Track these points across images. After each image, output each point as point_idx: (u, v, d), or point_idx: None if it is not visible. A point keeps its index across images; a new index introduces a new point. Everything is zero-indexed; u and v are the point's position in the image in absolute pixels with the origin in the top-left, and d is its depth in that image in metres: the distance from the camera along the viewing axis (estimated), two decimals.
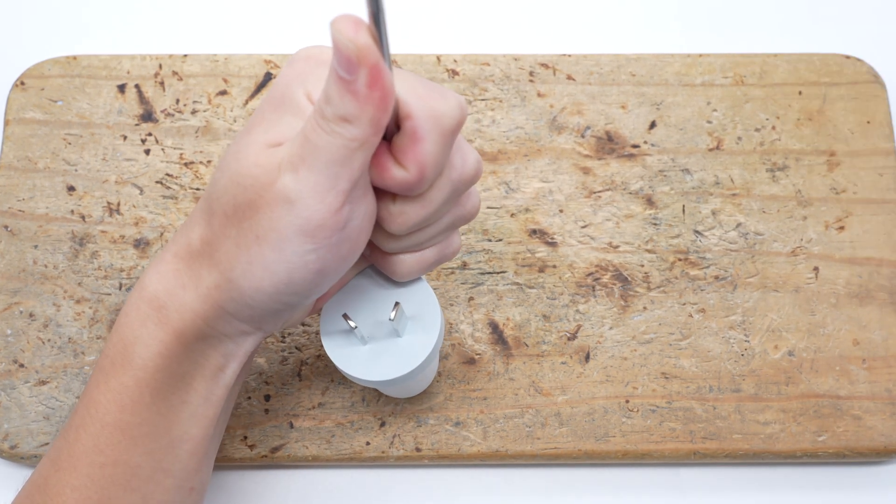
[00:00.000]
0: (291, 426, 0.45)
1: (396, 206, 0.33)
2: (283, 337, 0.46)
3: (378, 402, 0.45)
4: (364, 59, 0.28)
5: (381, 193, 0.33)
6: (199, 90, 0.50)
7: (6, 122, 0.49)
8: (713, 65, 0.51)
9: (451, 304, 0.47)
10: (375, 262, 0.37)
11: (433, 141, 0.31)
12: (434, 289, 0.43)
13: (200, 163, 0.49)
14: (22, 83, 0.50)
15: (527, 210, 0.48)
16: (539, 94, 0.50)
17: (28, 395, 0.45)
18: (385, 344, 0.38)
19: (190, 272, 0.34)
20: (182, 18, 0.55)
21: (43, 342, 0.46)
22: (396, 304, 0.37)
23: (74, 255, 0.47)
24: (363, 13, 0.29)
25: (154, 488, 0.35)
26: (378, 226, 0.34)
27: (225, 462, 0.45)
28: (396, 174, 0.31)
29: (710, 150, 0.50)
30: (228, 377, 0.36)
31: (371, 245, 0.36)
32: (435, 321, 0.38)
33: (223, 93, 0.50)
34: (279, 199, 0.31)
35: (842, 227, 0.48)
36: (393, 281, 0.38)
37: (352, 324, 0.37)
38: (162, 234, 0.48)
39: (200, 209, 0.34)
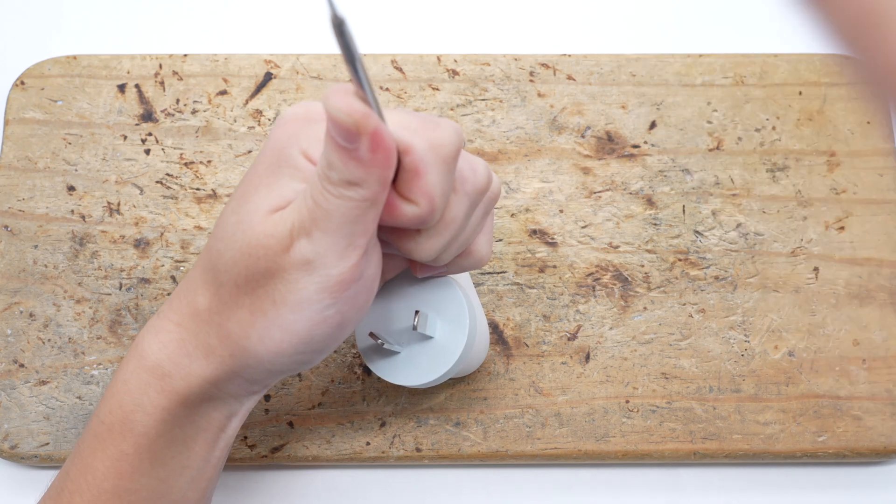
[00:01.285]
0: (291, 426, 0.45)
1: (422, 237, 0.33)
2: None
3: (378, 402, 0.45)
4: (363, 128, 0.28)
5: (403, 230, 0.33)
6: (199, 90, 0.50)
7: (6, 122, 0.49)
8: (713, 65, 0.51)
9: None
10: (419, 271, 0.37)
11: (436, 171, 0.31)
12: None
13: (200, 163, 0.49)
14: (22, 83, 0.50)
15: (527, 210, 0.48)
16: (539, 95, 0.50)
17: (28, 395, 0.45)
18: (419, 348, 0.38)
19: (196, 341, 0.33)
20: (182, 18, 0.55)
21: (43, 342, 0.46)
22: (416, 312, 0.37)
23: (74, 255, 0.47)
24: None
25: None
26: (405, 253, 0.34)
27: (225, 462, 0.45)
28: (408, 211, 0.31)
29: (711, 150, 0.50)
30: (229, 436, 0.36)
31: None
32: (463, 318, 0.38)
33: (223, 93, 0.50)
34: (296, 264, 0.31)
35: (842, 228, 0.48)
36: (411, 283, 0.38)
37: (380, 341, 0.37)
38: (162, 234, 0.48)
39: (201, 279, 0.33)
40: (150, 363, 0.33)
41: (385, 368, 0.39)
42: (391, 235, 0.33)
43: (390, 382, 0.39)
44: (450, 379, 0.45)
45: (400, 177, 0.31)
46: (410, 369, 0.38)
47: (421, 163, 0.30)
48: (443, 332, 0.38)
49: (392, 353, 0.39)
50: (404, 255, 0.34)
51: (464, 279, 0.42)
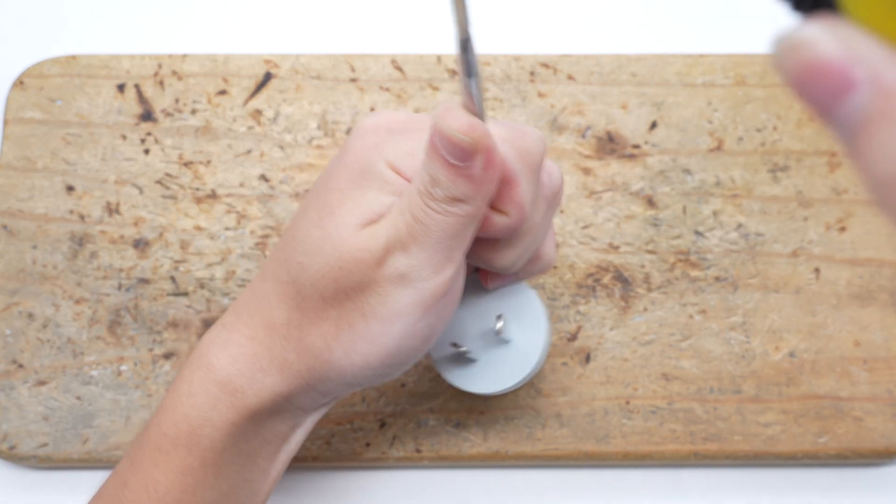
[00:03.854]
0: None
1: (502, 247, 0.33)
2: None
3: (378, 402, 0.45)
4: (482, 147, 0.28)
5: (484, 240, 0.33)
6: (198, 90, 0.50)
7: (5, 122, 0.49)
8: (714, 65, 0.51)
9: None
10: (488, 280, 0.38)
11: (527, 180, 0.31)
12: None
13: (200, 163, 0.49)
14: (21, 83, 0.50)
15: None
16: (540, 94, 0.50)
17: (27, 396, 0.45)
18: (496, 354, 0.38)
19: (271, 355, 0.33)
20: (182, 18, 0.55)
21: (42, 342, 0.46)
22: (499, 316, 0.37)
23: (74, 255, 0.47)
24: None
25: None
26: (483, 263, 0.34)
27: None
28: (500, 222, 0.31)
29: (711, 150, 0.49)
30: (291, 448, 0.36)
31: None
32: (540, 319, 0.38)
33: (223, 93, 0.50)
34: (391, 278, 0.30)
35: (843, 228, 0.48)
36: (480, 290, 0.38)
37: (463, 349, 0.37)
38: (161, 234, 0.48)
39: (277, 291, 0.33)
40: (220, 377, 0.33)
41: (463, 378, 0.38)
42: (471, 246, 0.33)
43: (467, 391, 0.39)
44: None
45: None
46: (489, 376, 0.38)
47: (514, 173, 0.30)
48: (519, 336, 0.38)
49: (469, 362, 0.38)
50: (482, 265, 0.34)
51: None
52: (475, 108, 0.29)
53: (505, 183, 0.31)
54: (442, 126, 0.28)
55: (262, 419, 0.33)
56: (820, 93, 0.17)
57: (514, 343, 0.38)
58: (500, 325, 0.37)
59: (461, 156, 0.28)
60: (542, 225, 0.34)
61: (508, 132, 0.31)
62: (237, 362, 0.33)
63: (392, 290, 0.30)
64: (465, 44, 0.27)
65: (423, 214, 0.29)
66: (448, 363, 0.39)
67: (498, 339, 0.38)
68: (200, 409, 0.33)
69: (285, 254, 0.33)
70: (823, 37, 0.18)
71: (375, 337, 0.31)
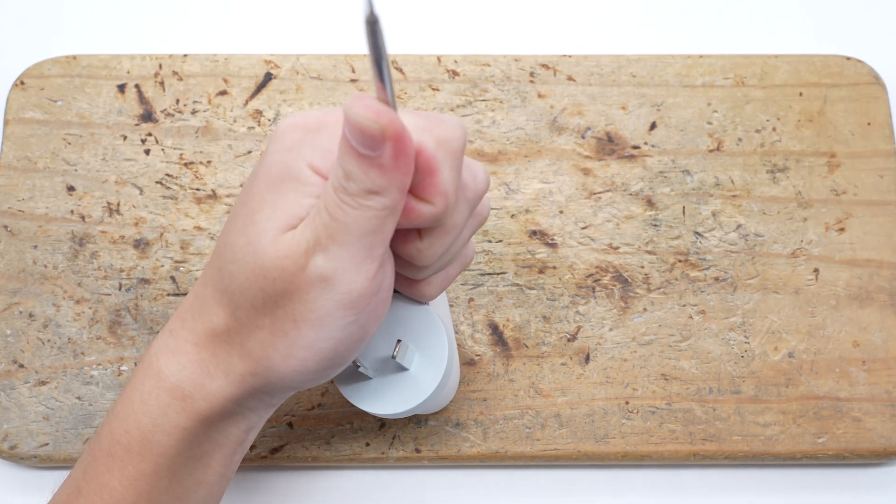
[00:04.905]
0: (291, 427, 0.45)
1: (424, 242, 0.33)
2: None
3: None
4: (389, 133, 0.27)
5: (405, 233, 0.33)
6: (199, 90, 0.50)
7: (6, 122, 0.49)
8: (714, 66, 0.51)
9: (452, 306, 0.47)
10: (402, 290, 0.37)
11: (448, 167, 0.31)
12: None
13: (200, 163, 0.49)
14: (22, 83, 0.50)
15: (527, 211, 0.48)
16: (539, 95, 0.50)
17: (28, 396, 0.45)
18: (392, 378, 0.38)
19: (216, 360, 0.33)
20: (182, 18, 0.55)
21: (42, 342, 0.46)
22: (398, 341, 0.36)
23: (74, 255, 0.47)
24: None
25: None
26: (406, 262, 0.34)
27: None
28: (424, 210, 0.31)
29: (711, 151, 0.49)
30: (245, 448, 0.36)
31: (396, 276, 0.36)
32: (442, 352, 0.37)
33: (223, 93, 0.50)
34: (314, 282, 0.30)
35: (842, 229, 0.48)
36: (394, 311, 0.38)
37: (357, 364, 0.37)
38: (161, 234, 0.48)
39: (215, 299, 0.33)
40: (169, 384, 0.33)
41: (354, 392, 0.38)
42: (392, 241, 0.33)
43: (361, 407, 0.39)
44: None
45: (413, 177, 0.31)
46: (379, 397, 0.38)
47: (434, 161, 0.30)
48: (419, 366, 0.38)
49: (364, 378, 0.38)
50: (406, 260, 0.34)
51: (443, 311, 0.42)
52: (386, 97, 0.28)
53: (426, 171, 0.30)
54: (350, 114, 0.28)
55: (213, 423, 0.34)
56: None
57: (412, 372, 0.38)
58: (396, 350, 0.36)
59: (370, 144, 0.28)
60: (464, 224, 0.33)
61: (425, 121, 0.31)
62: (185, 368, 0.33)
63: (318, 294, 0.30)
64: (373, 25, 0.26)
65: (340, 211, 0.29)
66: (345, 374, 0.38)
67: (395, 363, 0.37)
68: (152, 416, 0.33)
69: (219, 260, 0.33)
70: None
71: (310, 343, 0.31)
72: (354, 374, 0.38)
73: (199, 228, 0.48)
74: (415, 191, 0.31)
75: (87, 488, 0.34)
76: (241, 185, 0.48)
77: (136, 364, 0.45)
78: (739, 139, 0.50)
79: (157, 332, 0.46)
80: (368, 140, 0.28)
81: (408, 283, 0.36)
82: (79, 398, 0.45)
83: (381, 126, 0.27)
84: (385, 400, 0.37)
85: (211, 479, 0.35)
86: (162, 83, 0.50)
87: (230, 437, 0.35)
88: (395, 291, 0.37)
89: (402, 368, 0.38)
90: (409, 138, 0.28)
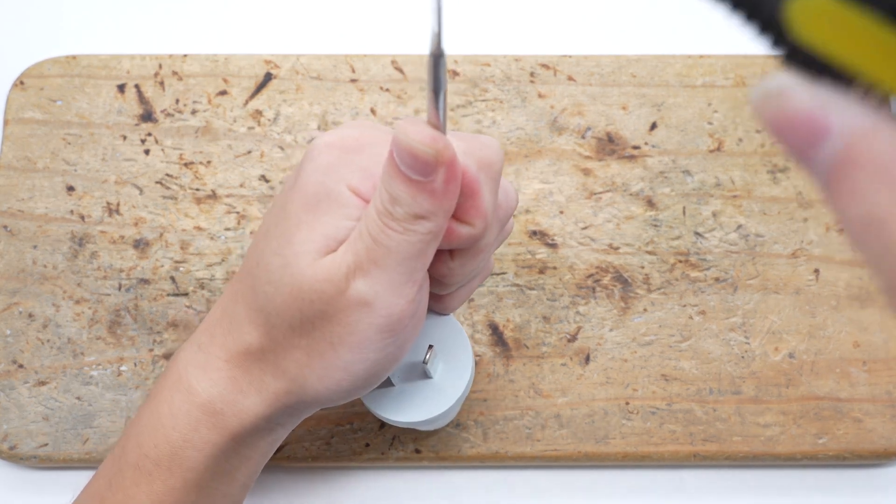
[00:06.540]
0: None
1: (456, 262, 0.32)
2: None
3: None
4: (442, 159, 0.27)
5: (438, 254, 0.32)
6: (198, 90, 0.50)
7: (5, 122, 0.49)
8: (714, 66, 0.51)
9: None
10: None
11: (488, 190, 0.30)
12: None
13: (200, 163, 0.49)
14: (21, 83, 0.50)
15: (527, 211, 0.48)
16: (540, 95, 0.50)
17: (27, 396, 0.45)
18: (414, 385, 0.38)
19: (249, 378, 0.33)
20: (182, 18, 0.55)
21: (42, 342, 0.46)
22: (430, 347, 0.36)
23: (74, 255, 0.47)
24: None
25: None
26: (434, 279, 0.34)
27: None
28: (463, 232, 0.31)
29: (711, 151, 0.49)
30: (267, 459, 0.36)
31: None
32: (467, 361, 0.38)
33: (223, 93, 0.50)
34: (354, 305, 0.30)
35: (842, 230, 0.48)
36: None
37: None
38: (161, 234, 0.48)
39: (249, 318, 0.32)
40: (200, 400, 0.33)
41: (373, 398, 0.38)
42: None
43: (380, 416, 0.39)
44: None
45: None
46: (399, 405, 0.37)
47: (476, 183, 0.30)
48: (443, 375, 0.38)
49: (385, 385, 0.38)
50: (436, 279, 0.34)
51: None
52: (438, 123, 0.28)
53: (468, 194, 0.30)
54: (403, 138, 0.27)
55: (244, 439, 0.34)
56: (795, 140, 0.18)
57: (436, 380, 0.38)
58: (427, 356, 0.36)
59: (423, 169, 0.27)
60: (493, 245, 0.34)
61: (468, 144, 0.31)
62: (217, 385, 0.33)
63: (357, 317, 0.30)
64: (438, 59, 0.26)
65: (384, 236, 0.29)
66: None
67: (421, 371, 0.37)
68: (182, 432, 0.33)
69: (252, 278, 0.32)
70: (797, 87, 0.18)
71: (346, 365, 0.31)
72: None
73: (198, 228, 0.48)
74: (456, 213, 0.30)
75: (111, 499, 0.34)
76: (241, 185, 0.48)
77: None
78: (740, 139, 0.50)
79: (158, 332, 0.46)
80: (421, 165, 0.27)
81: (431, 297, 0.36)
82: (78, 398, 0.45)
83: (437, 151, 0.27)
84: (406, 407, 0.37)
85: (235, 491, 0.35)
86: (162, 83, 0.50)
87: (257, 451, 0.35)
88: None
89: (425, 377, 0.38)
90: (458, 164, 0.28)
